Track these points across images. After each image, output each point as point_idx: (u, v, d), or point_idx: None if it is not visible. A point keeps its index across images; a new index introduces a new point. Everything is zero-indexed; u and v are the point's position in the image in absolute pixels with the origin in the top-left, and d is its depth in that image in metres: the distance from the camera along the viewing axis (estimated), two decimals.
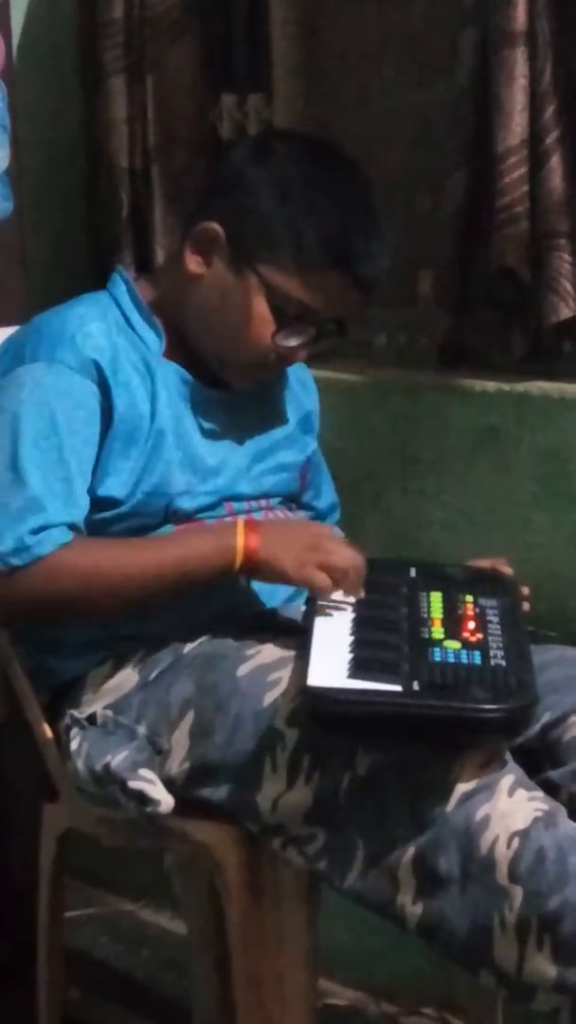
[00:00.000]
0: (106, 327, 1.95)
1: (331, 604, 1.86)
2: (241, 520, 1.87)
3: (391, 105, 2.50)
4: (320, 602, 1.86)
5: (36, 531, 1.82)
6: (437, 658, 1.73)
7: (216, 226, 1.93)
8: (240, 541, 1.83)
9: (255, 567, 1.84)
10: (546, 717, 1.85)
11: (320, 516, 2.22)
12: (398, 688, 1.67)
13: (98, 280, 2.12)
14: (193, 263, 1.95)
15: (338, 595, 1.85)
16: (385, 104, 2.51)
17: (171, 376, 1.98)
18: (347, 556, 1.84)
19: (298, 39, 2.54)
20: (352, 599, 1.86)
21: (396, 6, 2.46)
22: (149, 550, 1.88)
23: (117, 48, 2.57)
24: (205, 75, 2.58)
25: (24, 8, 2.68)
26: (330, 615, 1.84)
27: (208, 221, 1.93)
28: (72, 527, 1.85)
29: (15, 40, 2.59)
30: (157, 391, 1.95)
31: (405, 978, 2.46)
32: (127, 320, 1.98)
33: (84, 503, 1.88)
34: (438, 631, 1.80)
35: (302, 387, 2.17)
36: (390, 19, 2.48)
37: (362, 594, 1.86)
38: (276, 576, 1.85)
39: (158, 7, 2.53)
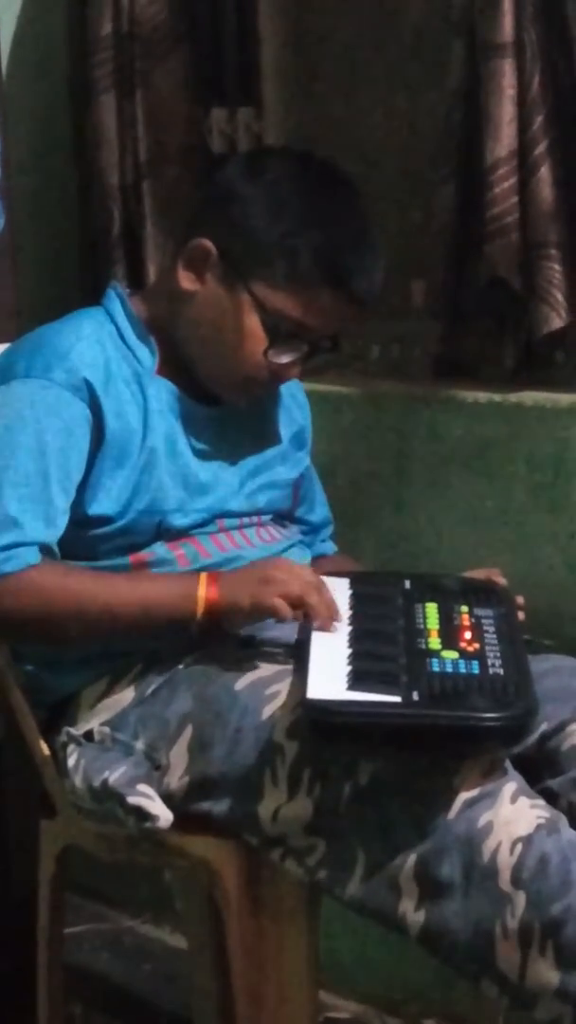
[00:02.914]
0: (100, 344, 1.95)
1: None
2: (204, 574, 1.87)
3: (381, 117, 2.51)
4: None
5: (5, 548, 1.82)
6: (435, 668, 1.74)
7: (208, 243, 1.93)
8: (202, 591, 1.83)
9: (217, 616, 1.84)
10: (544, 727, 1.86)
11: (313, 530, 2.22)
12: (398, 699, 1.67)
13: (90, 296, 2.12)
14: (186, 280, 1.95)
15: (341, 607, 1.85)
16: (375, 116, 2.52)
17: (164, 393, 1.98)
18: (300, 579, 1.83)
19: (287, 52, 2.55)
20: (348, 611, 1.86)
21: (385, 18, 2.47)
22: (114, 585, 1.88)
23: (107, 64, 2.57)
24: (195, 90, 2.59)
25: (13, 25, 2.69)
26: (327, 628, 1.84)
27: (200, 238, 1.93)
28: (44, 548, 1.85)
29: (4, 57, 2.59)
30: (149, 408, 1.95)
31: (407, 990, 2.46)
32: (121, 336, 1.99)
33: (62, 524, 1.88)
34: (435, 642, 1.80)
35: (295, 403, 2.17)
36: (379, 31, 2.48)
37: (339, 613, 1.85)
38: (237, 616, 1.85)
39: (147, 23, 2.54)
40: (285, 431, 2.13)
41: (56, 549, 1.87)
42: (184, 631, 1.86)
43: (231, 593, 1.83)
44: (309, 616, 1.83)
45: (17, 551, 1.82)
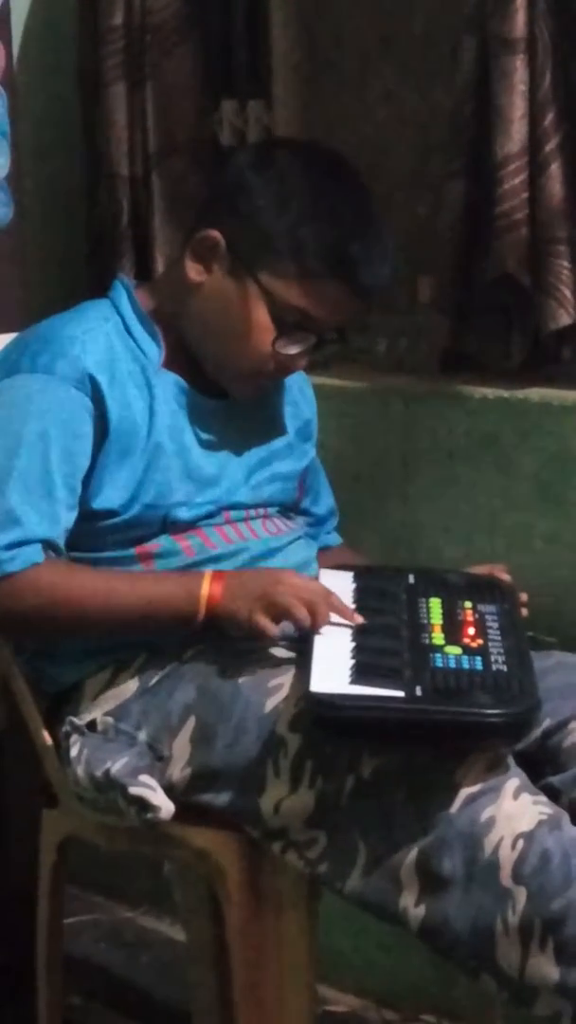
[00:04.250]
0: (105, 336, 1.95)
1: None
2: (209, 571, 1.87)
3: (391, 111, 2.51)
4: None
5: (9, 547, 1.82)
6: (439, 664, 1.74)
7: (216, 234, 1.93)
8: (205, 590, 1.83)
9: (216, 619, 1.84)
10: (546, 723, 1.86)
11: (319, 522, 2.22)
12: (401, 694, 1.67)
13: (97, 287, 2.12)
14: (193, 271, 1.95)
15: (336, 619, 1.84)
16: (385, 110, 2.51)
17: (170, 386, 1.98)
18: (296, 593, 1.81)
19: (298, 45, 2.54)
20: (352, 606, 1.85)
21: (397, 12, 2.47)
22: (117, 584, 1.88)
23: (117, 55, 2.57)
24: (205, 81, 2.58)
25: (24, 15, 2.69)
26: (330, 621, 1.84)
27: (208, 229, 1.93)
28: (48, 545, 1.85)
29: (15, 47, 2.59)
30: (155, 402, 1.95)
31: (405, 985, 2.46)
32: (127, 329, 1.98)
33: (66, 520, 1.88)
34: (439, 637, 1.80)
35: (301, 395, 2.17)
36: (390, 25, 2.48)
37: (339, 619, 1.83)
38: (234, 627, 1.84)
39: (158, 14, 2.53)
40: (291, 423, 2.12)
41: (61, 546, 1.87)
42: (187, 628, 1.86)
43: (232, 601, 1.83)
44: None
45: (21, 550, 1.83)
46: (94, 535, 1.92)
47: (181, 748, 1.84)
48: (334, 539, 2.24)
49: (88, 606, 1.85)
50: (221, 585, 1.83)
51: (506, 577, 2.03)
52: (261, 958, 1.87)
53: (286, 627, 1.86)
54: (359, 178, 1.97)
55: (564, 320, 2.18)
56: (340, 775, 1.72)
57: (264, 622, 1.80)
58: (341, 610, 1.84)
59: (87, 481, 1.91)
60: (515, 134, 2.16)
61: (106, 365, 1.93)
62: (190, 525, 1.96)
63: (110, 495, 1.91)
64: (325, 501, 2.23)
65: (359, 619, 1.84)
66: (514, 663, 1.75)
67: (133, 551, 1.94)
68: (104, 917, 2.79)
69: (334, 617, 1.83)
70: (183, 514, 1.95)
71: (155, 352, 1.99)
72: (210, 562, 1.93)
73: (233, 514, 2.01)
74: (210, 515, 1.98)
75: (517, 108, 2.15)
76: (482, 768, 1.68)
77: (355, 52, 2.53)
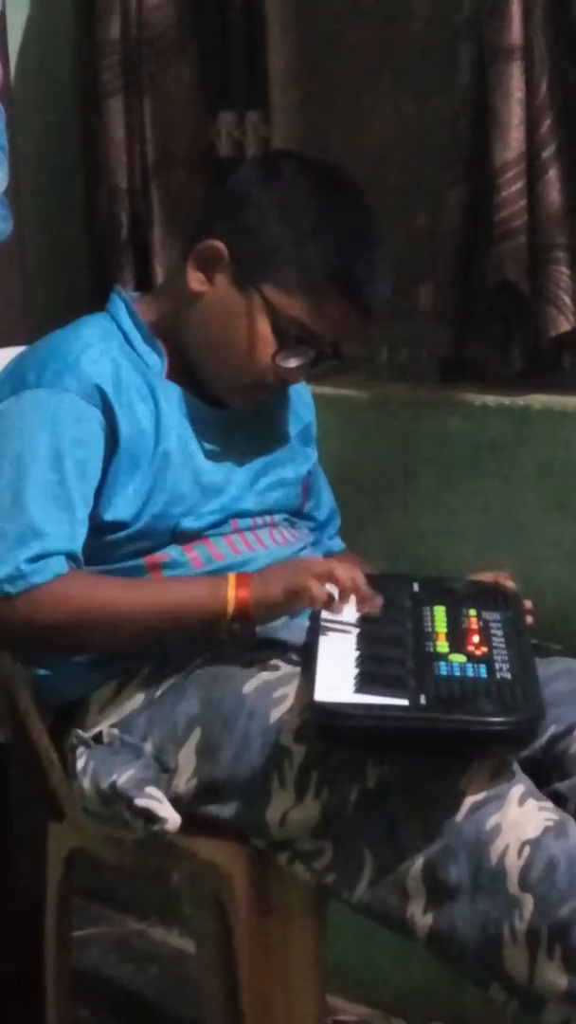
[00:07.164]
0: (108, 350, 1.95)
1: (335, 620, 1.86)
2: (233, 573, 1.87)
3: (389, 120, 2.51)
4: (323, 618, 1.85)
5: (33, 559, 1.82)
6: (443, 672, 1.73)
7: (220, 244, 1.93)
8: (232, 592, 1.83)
9: (248, 614, 1.84)
10: (552, 729, 1.86)
11: (321, 525, 2.22)
12: (405, 702, 1.67)
13: (98, 300, 2.12)
14: (195, 281, 1.95)
15: (349, 611, 1.84)
16: (383, 119, 2.52)
17: (173, 397, 1.98)
18: (335, 566, 1.84)
19: (295, 55, 2.55)
20: (356, 614, 1.86)
21: (393, 22, 2.47)
22: (143, 591, 1.89)
23: (114, 67, 2.57)
24: (203, 93, 2.59)
25: (21, 28, 2.69)
26: (334, 630, 1.84)
27: (212, 239, 1.94)
28: (70, 557, 1.85)
29: (12, 60, 2.59)
30: (161, 413, 1.95)
31: (414, 994, 2.46)
32: (128, 342, 1.99)
33: (83, 532, 1.88)
34: (443, 645, 1.80)
35: (299, 399, 2.17)
36: (387, 35, 2.48)
37: (377, 600, 1.85)
38: (270, 610, 1.84)
39: (155, 26, 2.54)
40: (292, 428, 2.13)
41: (81, 557, 1.87)
42: (215, 630, 1.86)
43: (262, 588, 1.83)
44: (344, 599, 1.82)
45: (45, 562, 1.82)
46: (103, 548, 1.92)
47: (187, 759, 1.84)
48: (337, 544, 2.24)
49: (114, 614, 1.85)
50: (247, 583, 1.84)
51: (511, 584, 2.02)
52: (269, 968, 1.86)
53: (296, 635, 1.86)
54: (362, 195, 1.97)
55: (564, 326, 2.19)
56: (345, 785, 1.72)
57: (313, 584, 1.80)
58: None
59: (97, 494, 1.91)
60: (512, 141, 2.16)
61: (111, 377, 1.93)
62: (198, 535, 1.97)
63: (120, 507, 1.92)
64: (326, 505, 2.24)
65: (378, 601, 1.84)
66: (518, 671, 1.75)
67: (142, 561, 1.94)
68: (113, 929, 2.79)
69: (336, 626, 1.84)
70: (191, 523, 1.96)
71: (157, 363, 1.99)
72: (218, 573, 1.93)
73: (240, 523, 2.01)
74: (218, 524, 1.99)
75: (514, 115, 2.16)
76: (487, 776, 1.68)
77: (352, 61, 2.54)
